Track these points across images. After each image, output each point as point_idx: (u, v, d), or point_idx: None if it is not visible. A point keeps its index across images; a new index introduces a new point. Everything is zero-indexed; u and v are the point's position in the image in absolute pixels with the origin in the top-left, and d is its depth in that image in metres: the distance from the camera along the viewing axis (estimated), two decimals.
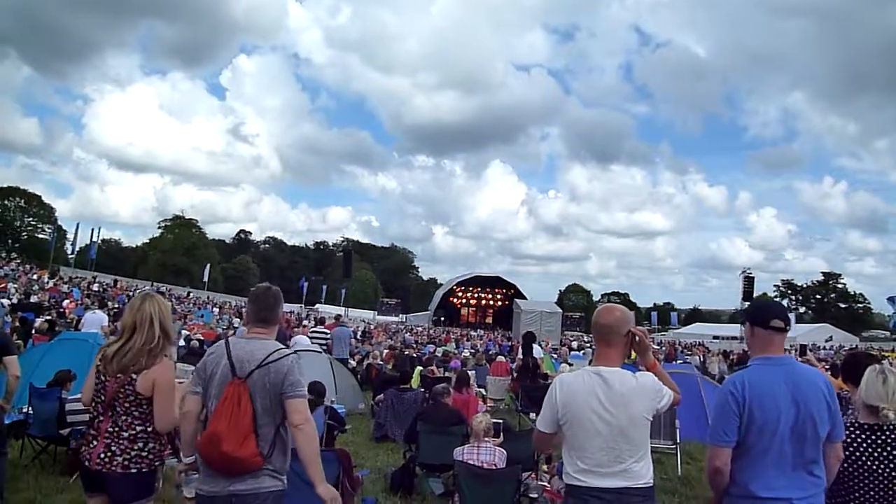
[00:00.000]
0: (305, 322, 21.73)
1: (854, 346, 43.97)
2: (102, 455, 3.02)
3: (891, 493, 2.92)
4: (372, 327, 40.09)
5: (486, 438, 5.63)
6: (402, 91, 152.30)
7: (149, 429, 3.09)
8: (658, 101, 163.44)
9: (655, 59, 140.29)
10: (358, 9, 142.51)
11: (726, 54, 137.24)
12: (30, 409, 6.75)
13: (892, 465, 2.92)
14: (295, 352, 3.02)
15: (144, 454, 3.06)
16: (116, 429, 3.05)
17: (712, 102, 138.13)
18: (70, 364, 7.43)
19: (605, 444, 2.69)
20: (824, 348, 44.04)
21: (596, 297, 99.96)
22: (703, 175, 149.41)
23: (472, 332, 49.16)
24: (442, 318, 65.55)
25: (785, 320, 2.90)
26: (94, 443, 3.07)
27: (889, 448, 2.95)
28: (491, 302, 70.66)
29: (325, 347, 13.43)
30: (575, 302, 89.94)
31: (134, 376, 3.04)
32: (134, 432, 3.06)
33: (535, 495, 5.71)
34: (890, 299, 57.77)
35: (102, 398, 3.09)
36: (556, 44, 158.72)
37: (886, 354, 29.52)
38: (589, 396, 2.75)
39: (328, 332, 14.76)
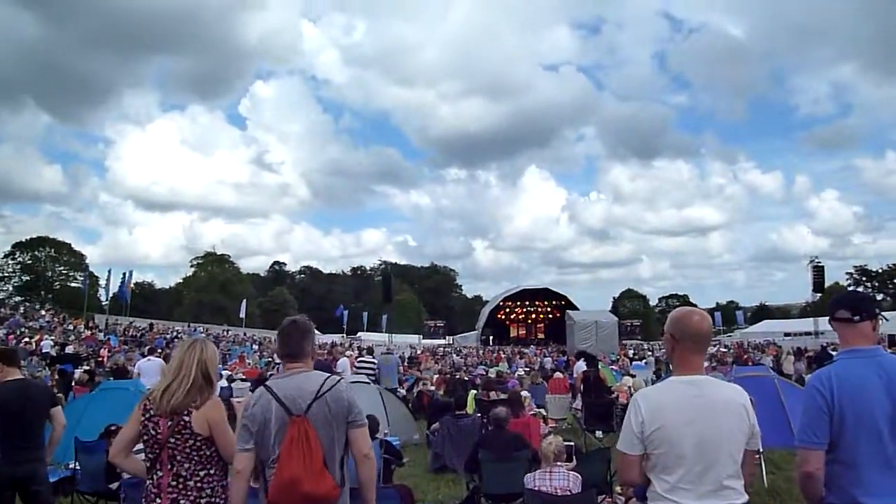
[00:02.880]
0: (349, 352, 21.84)
1: None
2: None
3: None
4: (419, 352, 40.09)
5: (559, 462, 5.51)
6: (426, 103, 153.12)
7: (212, 472, 3.11)
8: (697, 89, 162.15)
9: (689, 46, 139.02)
10: (372, 24, 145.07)
11: (764, 32, 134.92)
12: (77, 464, 6.88)
13: None
14: (341, 377, 3.04)
15: (213, 500, 3.08)
16: (181, 479, 3.06)
17: (756, 84, 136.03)
18: (113, 413, 7.56)
19: (699, 459, 2.57)
20: None
21: (653, 302, 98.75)
22: (754, 162, 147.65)
23: (524, 350, 48.79)
24: (491, 337, 65.23)
25: (854, 310, 2.82)
26: (158, 501, 3.06)
27: None
28: (541, 316, 70.11)
29: (373, 378, 13.44)
30: (631, 308, 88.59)
31: (186, 419, 3.06)
32: (199, 478, 3.07)
33: None
34: None
35: (157, 450, 3.10)
36: (583, 39, 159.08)
37: None
38: (681, 409, 2.63)
39: (375, 361, 14.79)
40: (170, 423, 3.07)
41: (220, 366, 20.74)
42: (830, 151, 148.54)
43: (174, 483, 3.06)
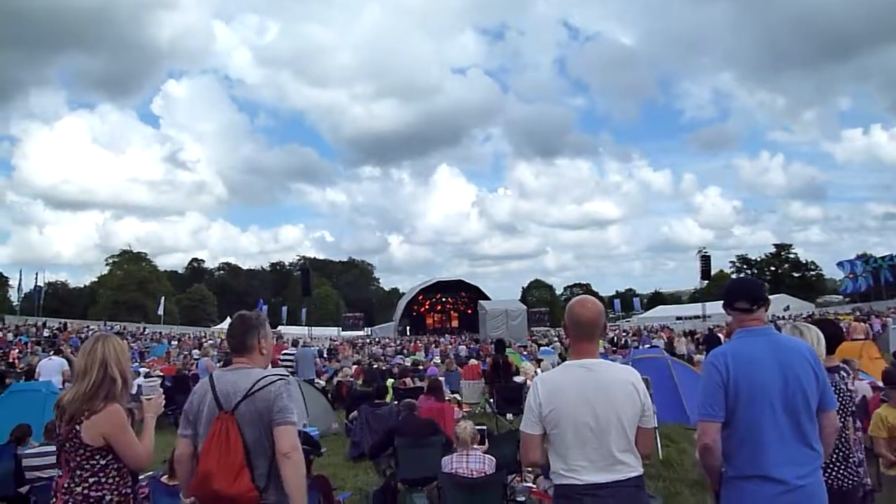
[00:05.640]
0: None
1: (811, 314, 45.24)
2: None
3: None
4: (337, 344, 39.60)
5: (474, 445, 5.52)
6: (340, 104, 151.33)
7: (104, 480, 2.91)
8: (594, 92, 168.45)
9: (586, 52, 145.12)
10: (285, 25, 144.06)
11: (653, 41, 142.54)
12: None
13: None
14: (283, 377, 2.88)
15: None
16: (72, 484, 2.89)
17: (646, 89, 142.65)
18: (24, 416, 7.10)
19: (594, 437, 2.62)
20: (782, 318, 45.18)
21: (559, 291, 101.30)
22: (646, 161, 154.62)
23: (440, 339, 48.99)
24: (408, 327, 65.20)
25: (752, 300, 2.88)
26: (54, 500, 2.93)
27: None
28: (455, 306, 70.62)
29: (292, 370, 13.17)
30: (538, 297, 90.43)
31: (77, 427, 2.86)
32: (87, 485, 2.88)
33: (522, 498, 5.63)
34: (839, 264, 59.98)
35: (58, 451, 2.95)
36: (489, 44, 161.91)
37: (842, 317, 30.42)
38: (575, 390, 2.68)
39: (294, 353, 14.52)
40: (66, 427, 2.89)
41: (137, 363, 19.77)
42: (713, 152, 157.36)
43: (66, 486, 2.90)
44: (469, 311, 63.76)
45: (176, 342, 36.87)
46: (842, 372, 3.58)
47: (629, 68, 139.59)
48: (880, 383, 8.28)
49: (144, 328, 49.40)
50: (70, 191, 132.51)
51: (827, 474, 3.14)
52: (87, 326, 43.40)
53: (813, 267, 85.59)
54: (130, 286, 72.16)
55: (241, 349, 2.94)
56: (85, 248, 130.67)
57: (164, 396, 3.38)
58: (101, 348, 3.00)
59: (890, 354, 14.62)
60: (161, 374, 16.42)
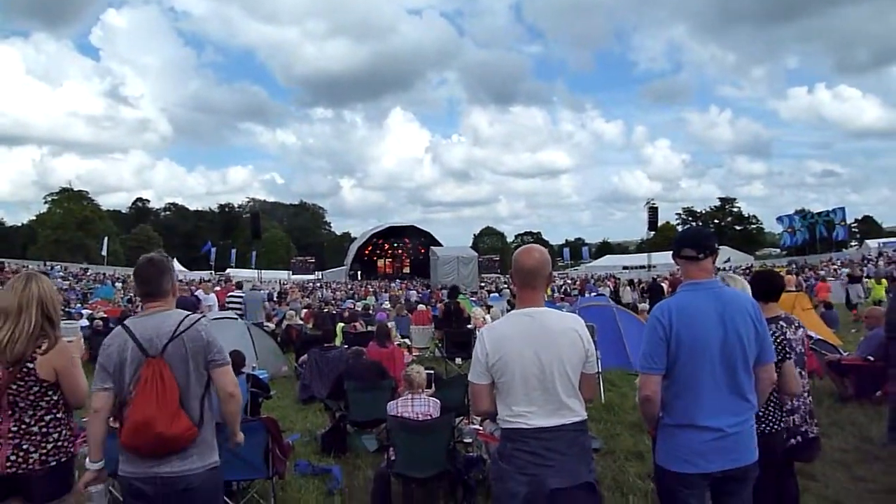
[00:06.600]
0: (217, 288, 20.94)
1: (750, 266, 46.87)
2: (13, 457, 2.76)
3: None
4: (287, 287, 39.37)
5: (420, 389, 5.59)
6: (291, 41, 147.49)
7: (59, 415, 2.88)
8: (550, 39, 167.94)
9: None
10: None
11: None
12: None
13: None
14: (203, 315, 2.86)
15: (60, 444, 2.86)
16: (24, 426, 2.79)
17: (601, 39, 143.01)
18: None
19: (539, 384, 2.67)
20: (724, 269, 46.70)
21: (510, 239, 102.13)
22: (599, 111, 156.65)
23: (391, 284, 49.10)
24: (359, 272, 65.09)
25: (697, 248, 2.91)
26: None
27: None
28: (407, 252, 70.69)
29: (240, 313, 13.05)
30: (490, 245, 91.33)
31: (30, 365, 2.78)
32: (44, 423, 2.83)
33: (469, 440, 5.77)
34: (779, 219, 62.09)
35: None
36: None
37: (779, 269, 31.66)
38: (520, 338, 2.71)
39: (242, 295, 14.36)
40: (10, 369, 2.78)
41: (80, 305, 19.28)
42: (664, 104, 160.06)
43: (16, 429, 2.79)
44: (421, 257, 63.92)
45: (121, 283, 36.07)
46: (781, 322, 3.70)
47: (585, 16, 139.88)
48: (811, 333, 8.71)
49: (87, 269, 48.08)
50: (3, 124, 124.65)
51: (760, 421, 3.23)
52: (26, 266, 41.99)
53: (754, 221, 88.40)
54: (71, 225, 69.68)
55: (157, 293, 2.90)
56: (21, 185, 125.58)
57: (83, 338, 3.31)
58: (35, 287, 2.91)
59: (821, 306, 15.42)
60: (105, 315, 16.12)
